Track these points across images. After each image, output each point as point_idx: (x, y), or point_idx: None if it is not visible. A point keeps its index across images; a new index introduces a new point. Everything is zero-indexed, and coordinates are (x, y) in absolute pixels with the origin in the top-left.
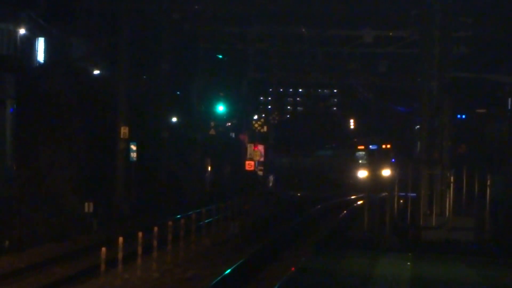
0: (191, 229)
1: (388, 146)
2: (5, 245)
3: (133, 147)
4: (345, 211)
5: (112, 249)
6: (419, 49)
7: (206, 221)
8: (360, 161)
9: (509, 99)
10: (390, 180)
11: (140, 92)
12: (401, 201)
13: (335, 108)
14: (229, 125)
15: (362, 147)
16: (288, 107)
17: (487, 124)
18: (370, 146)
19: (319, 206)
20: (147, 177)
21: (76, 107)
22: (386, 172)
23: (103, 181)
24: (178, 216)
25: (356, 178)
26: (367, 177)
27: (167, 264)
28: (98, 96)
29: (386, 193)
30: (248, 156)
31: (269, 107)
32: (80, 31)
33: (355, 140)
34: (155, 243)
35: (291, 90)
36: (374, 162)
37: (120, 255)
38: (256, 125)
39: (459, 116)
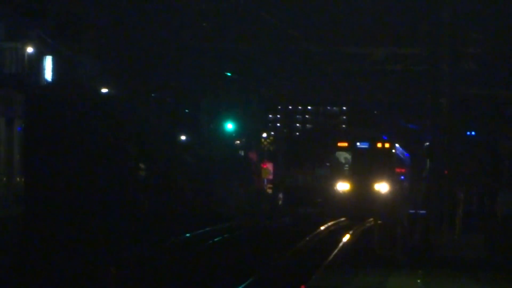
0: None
1: (387, 145)
2: None
3: (142, 166)
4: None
5: None
6: (429, 66)
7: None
8: (340, 167)
9: None
10: (386, 199)
11: (149, 110)
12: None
13: (344, 126)
14: (238, 143)
15: (345, 144)
16: (297, 124)
17: (498, 141)
18: (358, 144)
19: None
20: (155, 196)
21: (84, 126)
22: (381, 187)
23: (112, 198)
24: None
25: (332, 193)
26: (349, 192)
27: None
28: (107, 115)
29: (378, 221)
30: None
31: (278, 124)
32: (88, 49)
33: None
34: None
35: (300, 107)
36: (362, 170)
37: None
38: (265, 143)
39: (468, 133)
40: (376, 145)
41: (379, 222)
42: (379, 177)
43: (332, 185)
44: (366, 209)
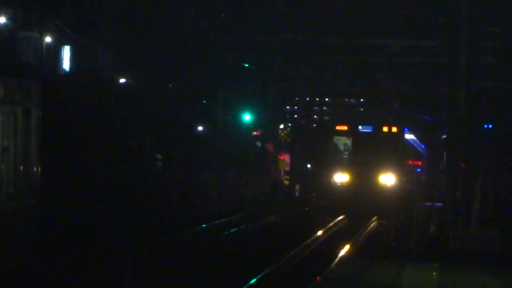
0: None
1: (394, 129)
2: None
3: (159, 156)
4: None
5: None
6: (446, 58)
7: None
8: (337, 154)
9: None
10: (393, 193)
11: (165, 100)
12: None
13: None
14: (255, 134)
15: (345, 127)
16: (315, 116)
17: None
18: (360, 127)
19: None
20: (171, 186)
21: (101, 115)
22: (387, 179)
23: (128, 189)
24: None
25: (328, 185)
26: (348, 184)
27: None
28: (124, 105)
29: (382, 221)
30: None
31: (295, 116)
32: (106, 39)
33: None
34: None
35: (317, 99)
36: (364, 158)
37: None
38: (282, 134)
39: (486, 125)
40: (381, 128)
41: (395, 214)
42: (385, 166)
43: (328, 176)
44: (368, 204)
